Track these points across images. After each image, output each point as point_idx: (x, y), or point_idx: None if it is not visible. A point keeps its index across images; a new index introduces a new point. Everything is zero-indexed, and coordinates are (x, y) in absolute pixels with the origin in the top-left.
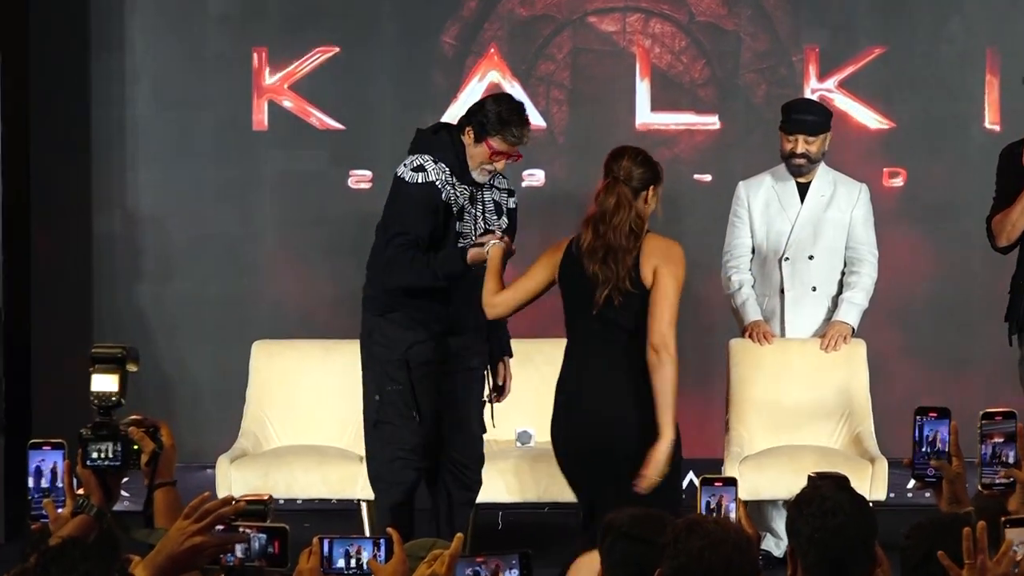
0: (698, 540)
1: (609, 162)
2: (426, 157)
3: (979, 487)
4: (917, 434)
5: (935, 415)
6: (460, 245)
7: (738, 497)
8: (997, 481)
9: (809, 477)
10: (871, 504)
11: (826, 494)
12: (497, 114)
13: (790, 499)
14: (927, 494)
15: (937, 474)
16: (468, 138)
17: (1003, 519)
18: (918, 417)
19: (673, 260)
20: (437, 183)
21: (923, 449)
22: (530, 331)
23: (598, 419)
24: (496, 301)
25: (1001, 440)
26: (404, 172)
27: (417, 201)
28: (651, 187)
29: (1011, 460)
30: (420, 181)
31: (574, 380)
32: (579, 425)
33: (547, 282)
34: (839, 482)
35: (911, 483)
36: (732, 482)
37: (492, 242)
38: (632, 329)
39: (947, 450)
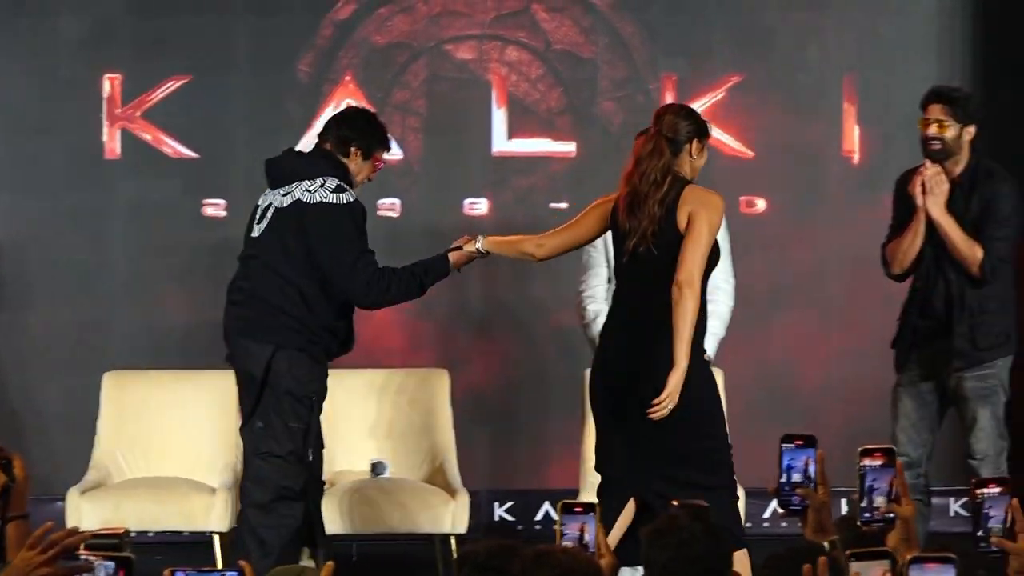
0: (547, 571)
1: (655, 119)
2: (333, 179)
3: (859, 523)
4: (782, 462)
5: (800, 443)
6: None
7: (598, 524)
8: (876, 517)
9: (670, 505)
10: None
11: (681, 524)
12: (379, 128)
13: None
14: (783, 524)
15: (802, 502)
16: (356, 157)
17: (848, 552)
18: (783, 445)
19: (708, 206)
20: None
21: (788, 477)
22: (381, 361)
23: (634, 368)
24: (543, 241)
25: (879, 475)
26: (325, 196)
27: (358, 220)
28: (696, 139)
29: (890, 496)
30: (351, 200)
31: (616, 326)
32: (614, 373)
33: (597, 230)
34: (695, 512)
35: (768, 511)
36: (591, 508)
37: (479, 239)
38: (670, 275)
39: (813, 478)
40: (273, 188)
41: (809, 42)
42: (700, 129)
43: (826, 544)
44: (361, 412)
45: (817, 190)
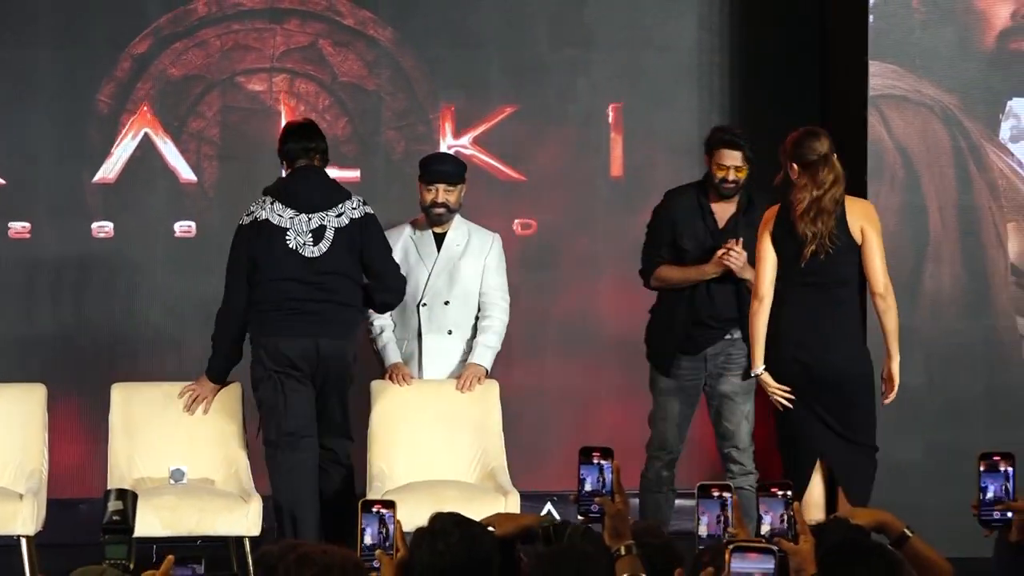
0: (308, 570)
1: (812, 143)
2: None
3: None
4: (581, 473)
5: (599, 455)
6: None
7: (397, 520)
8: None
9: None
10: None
11: (438, 527)
12: None
13: None
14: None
15: (601, 510)
16: None
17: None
18: (582, 457)
19: (874, 219)
20: None
21: (587, 488)
22: (177, 374)
23: (827, 362)
24: (761, 295)
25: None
26: (366, 211)
27: None
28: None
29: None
30: None
31: (799, 328)
32: (810, 367)
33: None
34: (455, 516)
35: (543, 512)
36: (391, 505)
37: (759, 369)
38: (844, 278)
39: (611, 488)
40: (304, 211)
41: (578, 75)
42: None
43: (622, 548)
44: (161, 421)
45: (587, 212)
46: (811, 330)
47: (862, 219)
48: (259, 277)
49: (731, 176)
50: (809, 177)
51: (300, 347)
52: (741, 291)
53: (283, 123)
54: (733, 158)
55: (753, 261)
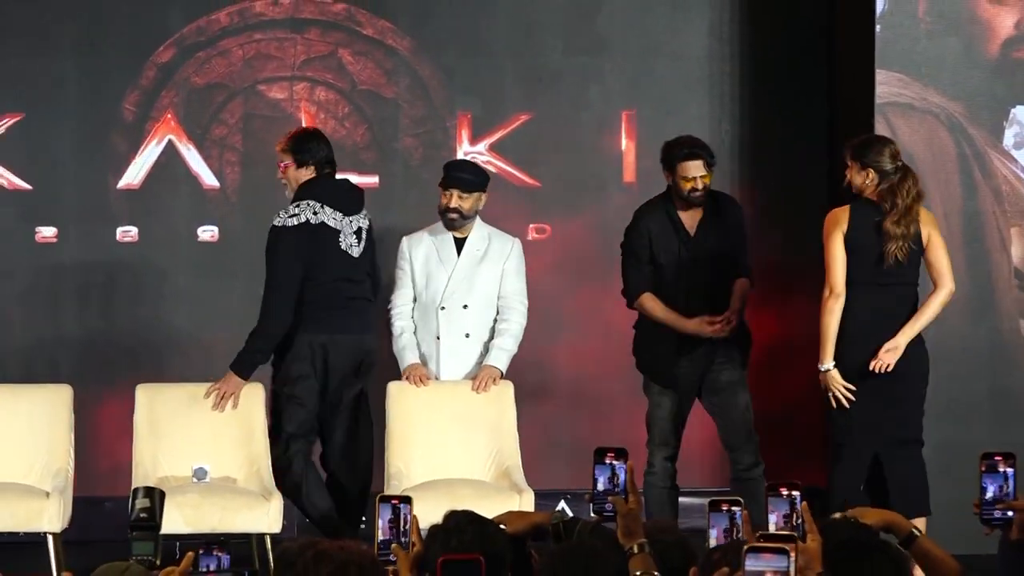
0: (325, 567)
1: (889, 150)
2: None
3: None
4: (595, 472)
5: (613, 455)
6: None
7: (413, 515)
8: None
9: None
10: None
11: (452, 524)
12: None
13: None
14: None
15: (614, 509)
16: None
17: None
18: (596, 457)
19: (937, 226)
20: None
21: (601, 487)
22: (200, 375)
23: (900, 362)
24: (837, 291)
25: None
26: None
27: None
28: None
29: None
30: None
31: (876, 327)
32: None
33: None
34: (468, 514)
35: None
36: (407, 500)
37: (828, 364)
38: (912, 280)
39: (624, 488)
40: (348, 214)
41: (591, 82)
42: None
43: (635, 547)
44: (184, 421)
45: (600, 217)
46: (889, 330)
47: (929, 226)
48: (314, 277)
49: (699, 185)
50: (898, 182)
51: (355, 343)
52: (715, 294)
53: None
54: (696, 168)
55: (720, 262)
